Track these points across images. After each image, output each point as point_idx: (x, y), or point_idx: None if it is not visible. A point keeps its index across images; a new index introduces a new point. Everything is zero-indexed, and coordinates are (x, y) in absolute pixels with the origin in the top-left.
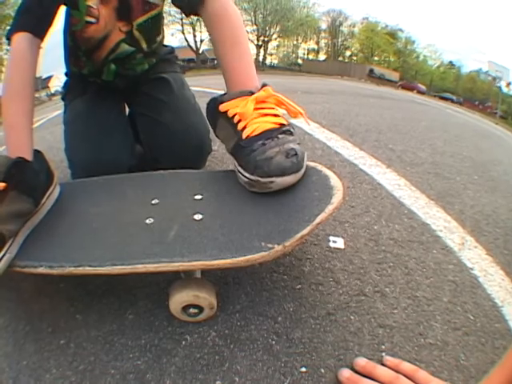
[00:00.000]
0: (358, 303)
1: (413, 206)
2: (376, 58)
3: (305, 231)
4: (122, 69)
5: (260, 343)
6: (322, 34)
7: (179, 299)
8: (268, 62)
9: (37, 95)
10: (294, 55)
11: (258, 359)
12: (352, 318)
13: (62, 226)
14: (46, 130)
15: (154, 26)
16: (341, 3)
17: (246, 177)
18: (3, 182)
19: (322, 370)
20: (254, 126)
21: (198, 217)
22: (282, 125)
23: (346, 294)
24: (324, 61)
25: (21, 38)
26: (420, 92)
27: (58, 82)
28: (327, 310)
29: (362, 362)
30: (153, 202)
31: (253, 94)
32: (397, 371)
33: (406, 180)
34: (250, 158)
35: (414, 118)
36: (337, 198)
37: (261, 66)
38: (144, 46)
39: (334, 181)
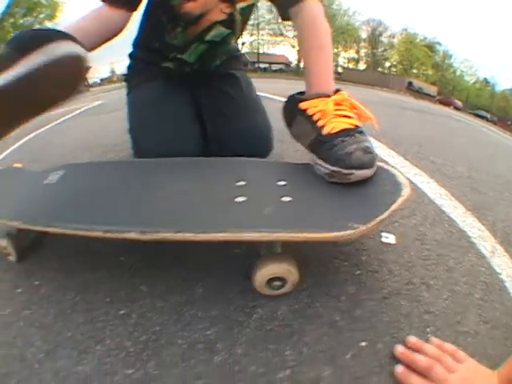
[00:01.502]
0: (408, 291)
1: (452, 214)
2: (415, 71)
3: (383, 216)
4: (208, 54)
5: (325, 319)
6: (362, 44)
7: (269, 271)
8: None
9: None
10: (334, 63)
11: (324, 333)
12: (403, 303)
13: (145, 197)
14: (91, 116)
15: (249, 13)
16: (380, 13)
17: (326, 168)
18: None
19: (379, 345)
20: (333, 124)
21: (286, 199)
22: (357, 126)
23: (398, 282)
24: (364, 70)
25: (102, 5)
26: (456, 108)
27: (97, 73)
28: (382, 295)
29: (412, 339)
30: (238, 184)
31: (330, 96)
32: (440, 350)
33: (446, 190)
34: (332, 152)
35: (452, 133)
36: (405, 192)
37: (301, 71)
38: (237, 30)
39: (401, 179)
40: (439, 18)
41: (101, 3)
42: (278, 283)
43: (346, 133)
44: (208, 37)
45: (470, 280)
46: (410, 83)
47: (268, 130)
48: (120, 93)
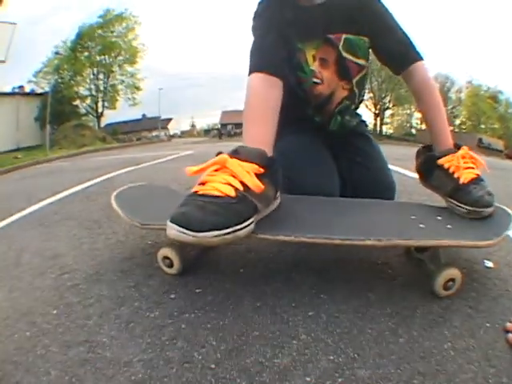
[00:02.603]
0: (507, 295)
1: None
2: (482, 126)
3: (503, 235)
4: (343, 120)
5: (461, 311)
6: None
7: (449, 273)
8: (383, 131)
9: (156, 133)
10: (408, 124)
11: (465, 319)
12: (505, 302)
13: (358, 219)
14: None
15: (364, 83)
16: (445, 66)
17: (466, 209)
18: (263, 168)
19: (497, 325)
20: (465, 175)
21: (449, 226)
22: (478, 175)
23: (499, 290)
24: None
25: (256, 77)
26: None
27: (177, 125)
28: (493, 297)
29: None
30: (412, 217)
31: (456, 151)
32: None
33: None
34: (469, 197)
35: None
36: None
37: (378, 136)
38: (356, 99)
39: (510, 212)
40: (500, 65)
41: (257, 77)
42: (451, 283)
43: (474, 181)
44: (337, 109)
45: None
46: (480, 140)
47: (393, 179)
48: (206, 146)
